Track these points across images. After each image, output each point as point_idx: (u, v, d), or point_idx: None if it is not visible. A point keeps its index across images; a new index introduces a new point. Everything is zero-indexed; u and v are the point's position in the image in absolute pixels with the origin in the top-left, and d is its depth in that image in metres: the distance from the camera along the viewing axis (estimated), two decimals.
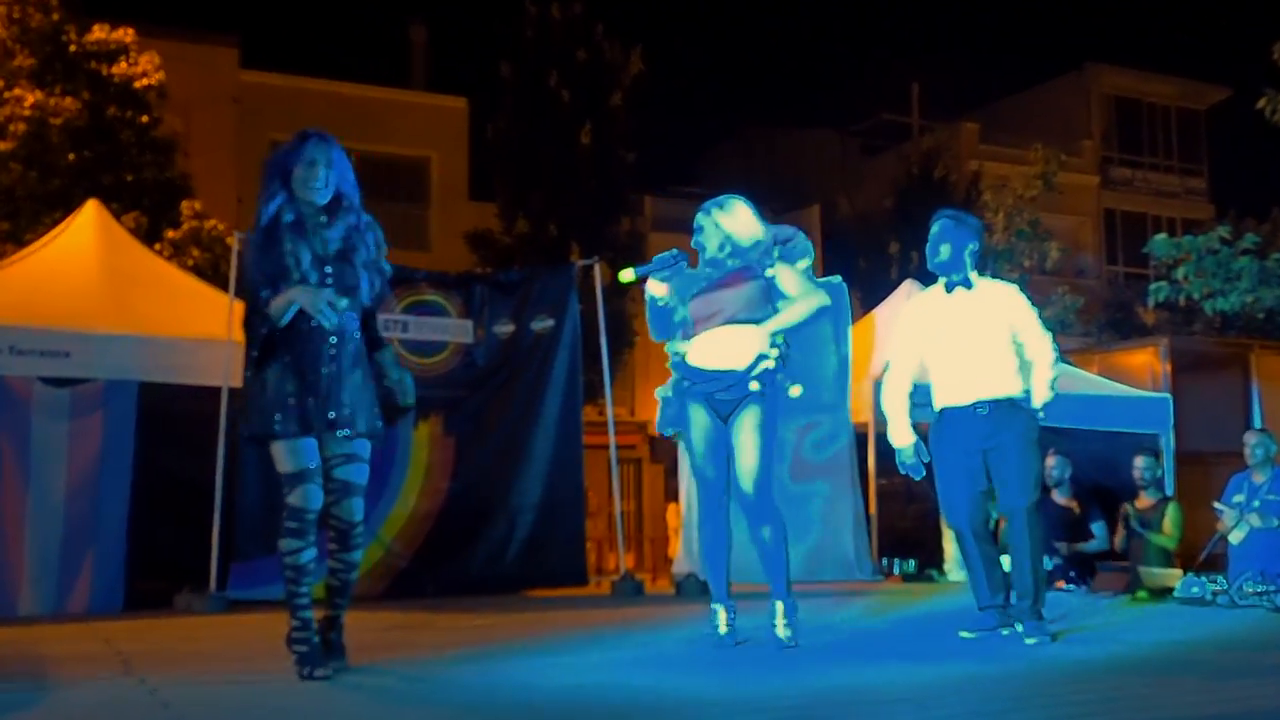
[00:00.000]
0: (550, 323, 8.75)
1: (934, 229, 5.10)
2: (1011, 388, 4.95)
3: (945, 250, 5.03)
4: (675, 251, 4.60)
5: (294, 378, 3.82)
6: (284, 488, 3.82)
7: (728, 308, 4.56)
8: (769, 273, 4.60)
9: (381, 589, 7.82)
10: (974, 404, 4.94)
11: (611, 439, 8.88)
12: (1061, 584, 7.72)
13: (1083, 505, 8.72)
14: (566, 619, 6.34)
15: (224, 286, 8.25)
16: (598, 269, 9.23)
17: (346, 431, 3.86)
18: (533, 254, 16.70)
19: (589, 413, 13.81)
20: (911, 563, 9.34)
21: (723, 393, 4.53)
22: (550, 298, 8.87)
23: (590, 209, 17.19)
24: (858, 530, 9.23)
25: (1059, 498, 8.73)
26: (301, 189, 3.94)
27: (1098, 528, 8.59)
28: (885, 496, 9.61)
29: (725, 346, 4.53)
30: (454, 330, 8.55)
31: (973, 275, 5.06)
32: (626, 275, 4.58)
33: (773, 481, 4.48)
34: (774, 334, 4.54)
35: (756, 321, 4.55)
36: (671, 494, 17.54)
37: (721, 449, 4.56)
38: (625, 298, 17.31)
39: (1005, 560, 5.01)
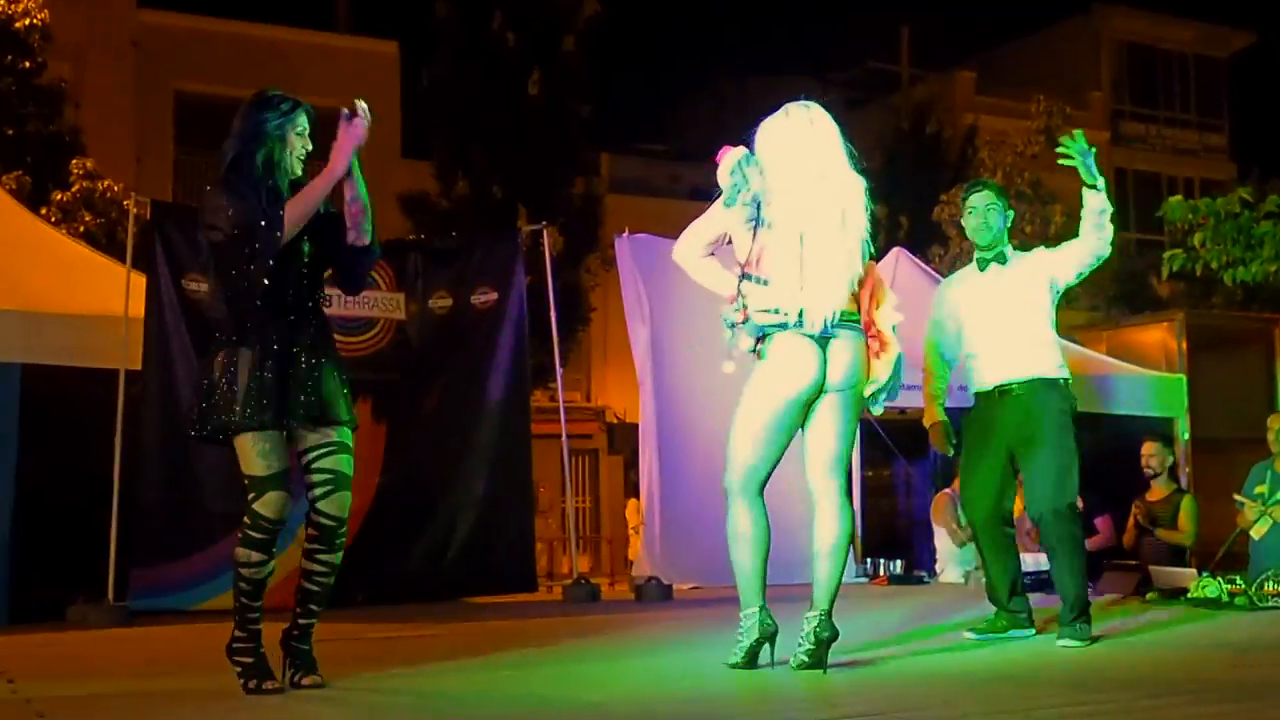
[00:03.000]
0: (493, 296, 8.73)
1: (980, 200, 5.23)
2: (1045, 367, 5.12)
3: (996, 223, 5.23)
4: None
5: (269, 363, 3.85)
6: (250, 492, 3.85)
7: None
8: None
9: None
10: (1003, 385, 5.14)
11: (563, 427, 8.88)
12: None
13: (1086, 498, 8.83)
14: (513, 628, 6.34)
15: (120, 256, 8.18)
16: (547, 235, 9.21)
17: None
18: (474, 219, 16.63)
19: (539, 398, 13.77)
20: (898, 563, 9.42)
21: None
22: (493, 268, 8.84)
23: (539, 168, 17.14)
24: None
25: None
26: (292, 161, 4.04)
27: (1100, 522, 8.71)
28: (871, 491, 9.69)
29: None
30: (384, 305, 8.51)
31: (1008, 249, 5.29)
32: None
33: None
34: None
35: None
36: (631, 489, 17.60)
37: None
38: (580, 268, 17.33)
39: (1030, 559, 5.13)
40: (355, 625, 6.43)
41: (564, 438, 8.87)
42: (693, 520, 8.78)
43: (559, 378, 9.24)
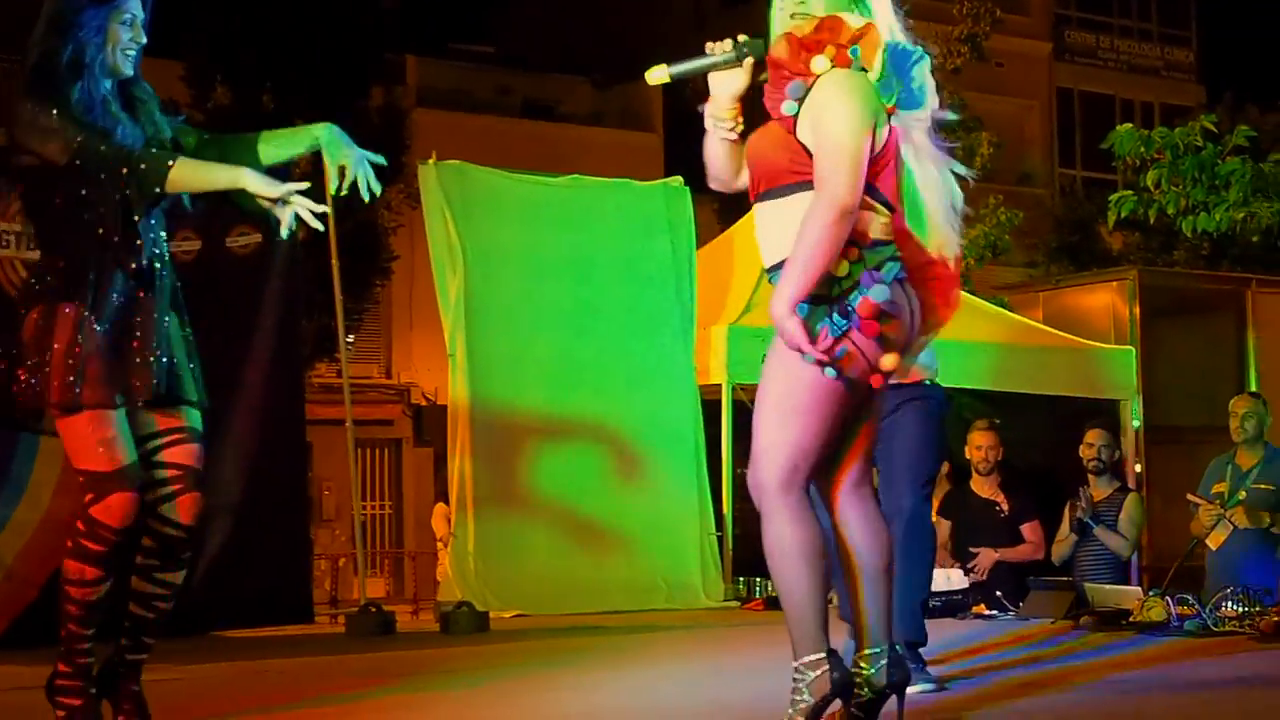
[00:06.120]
0: (257, 238, 8.60)
1: None
2: None
3: None
4: (743, 41, 3.76)
5: (111, 323, 3.89)
6: (88, 492, 3.87)
7: (757, 170, 3.87)
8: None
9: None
10: None
11: (348, 411, 8.79)
12: (983, 608, 7.99)
13: (1012, 499, 9.01)
14: (276, 671, 6.28)
15: None
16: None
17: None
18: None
19: (321, 372, 13.54)
20: None
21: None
22: (258, 202, 8.68)
23: (325, 73, 16.95)
24: (705, 541, 9.38)
25: (983, 489, 9.02)
26: (115, 57, 4.09)
27: (1028, 529, 8.91)
28: (742, 493, 9.77)
29: (764, 242, 3.87)
30: None
31: None
32: (656, 76, 3.82)
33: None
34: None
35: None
36: (442, 491, 17.49)
37: None
38: (377, 204, 17.15)
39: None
40: None
41: (349, 424, 8.79)
42: (516, 531, 8.79)
43: (343, 346, 9.15)
